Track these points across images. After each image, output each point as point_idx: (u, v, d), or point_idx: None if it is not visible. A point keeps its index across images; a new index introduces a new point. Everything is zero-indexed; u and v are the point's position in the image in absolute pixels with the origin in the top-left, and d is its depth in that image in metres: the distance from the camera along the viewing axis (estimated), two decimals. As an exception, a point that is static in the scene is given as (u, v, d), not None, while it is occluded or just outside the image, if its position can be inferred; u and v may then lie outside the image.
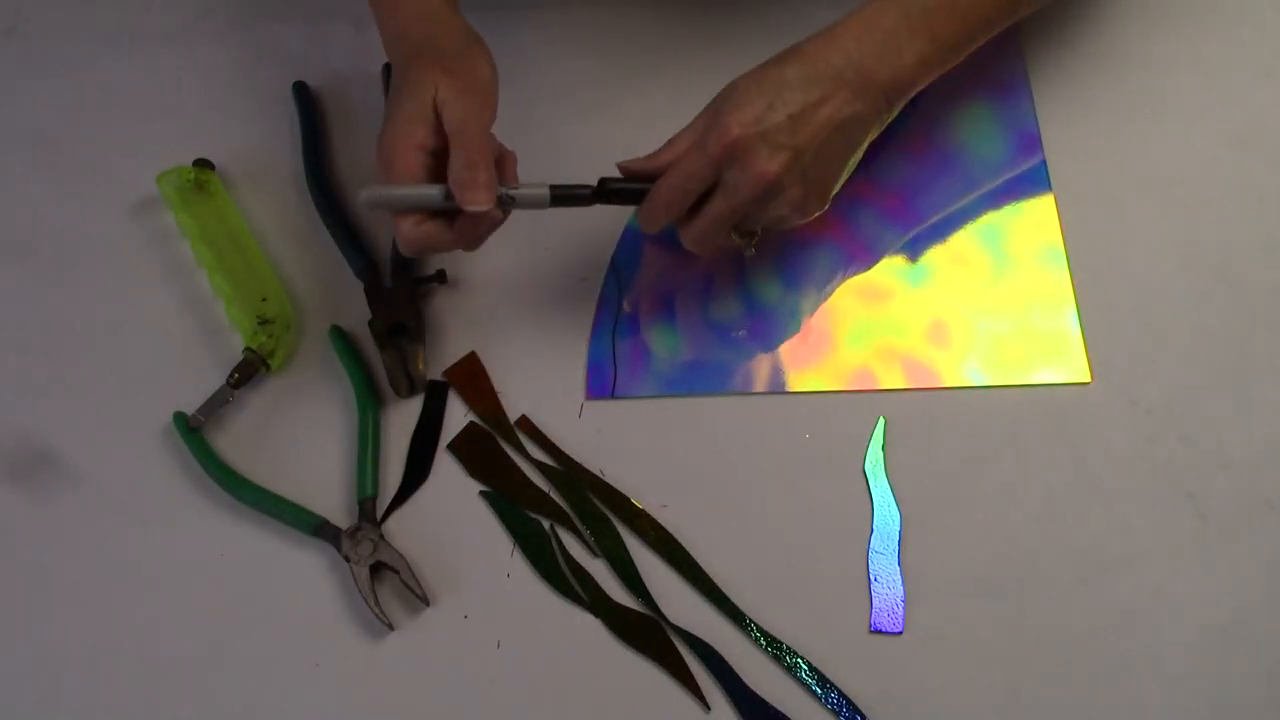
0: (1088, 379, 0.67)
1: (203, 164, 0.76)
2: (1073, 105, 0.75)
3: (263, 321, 0.70)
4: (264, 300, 0.71)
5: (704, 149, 0.61)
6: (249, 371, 0.68)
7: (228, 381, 0.68)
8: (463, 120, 0.60)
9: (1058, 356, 0.68)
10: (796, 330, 0.70)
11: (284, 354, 0.70)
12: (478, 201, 0.59)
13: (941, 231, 0.72)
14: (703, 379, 0.69)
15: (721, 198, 0.62)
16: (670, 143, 0.64)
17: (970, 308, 0.70)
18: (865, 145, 0.65)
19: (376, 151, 0.61)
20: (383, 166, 0.61)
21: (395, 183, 0.60)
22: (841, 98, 0.61)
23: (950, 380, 0.68)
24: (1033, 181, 0.73)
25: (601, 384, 0.69)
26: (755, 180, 0.60)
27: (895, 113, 0.65)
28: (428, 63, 0.62)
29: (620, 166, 0.65)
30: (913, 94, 0.65)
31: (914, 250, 0.71)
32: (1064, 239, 0.71)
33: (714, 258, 0.71)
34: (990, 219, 0.72)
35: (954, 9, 0.64)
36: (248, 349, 0.69)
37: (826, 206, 0.65)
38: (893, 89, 0.63)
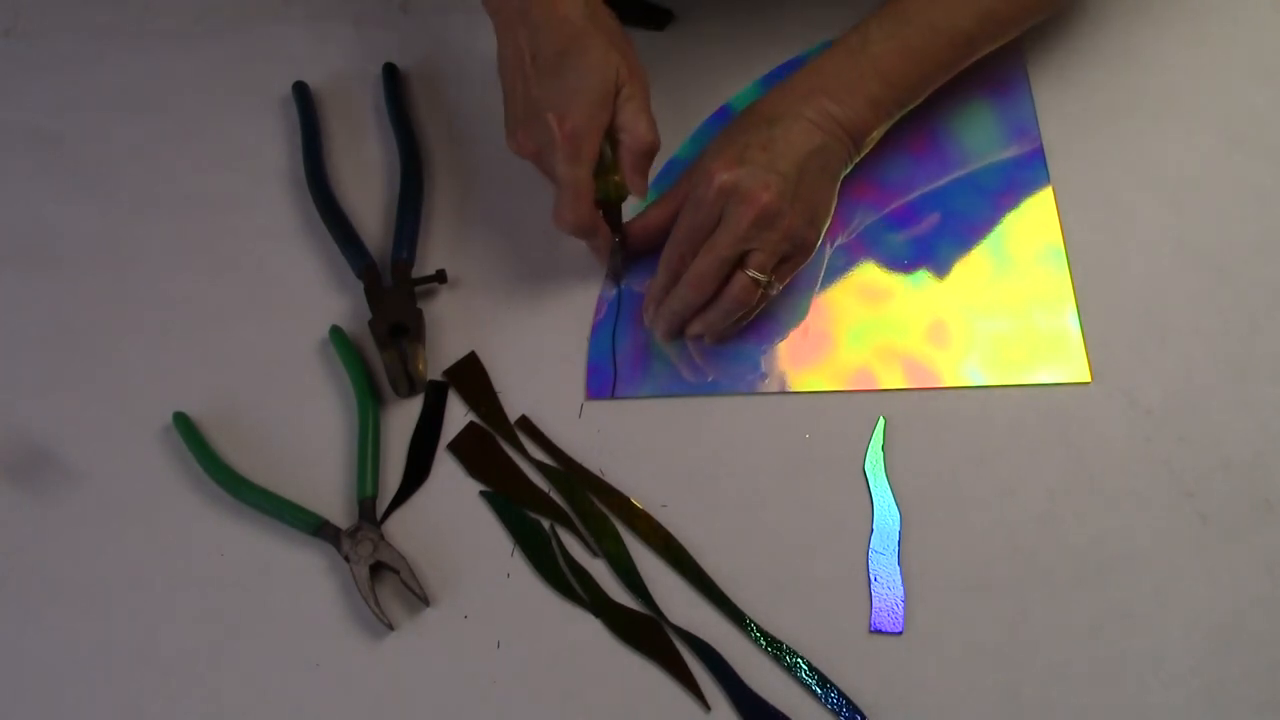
0: (1087, 379, 0.67)
1: None
2: (1073, 105, 0.75)
3: None
4: None
5: (698, 202, 0.63)
6: (613, 223, 0.68)
7: None
8: (636, 113, 0.64)
9: (1057, 356, 0.68)
10: (799, 323, 0.70)
11: (620, 186, 0.68)
12: (641, 191, 0.65)
13: (941, 231, 0.72)
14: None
15: (722, 229, 0.63)
16: (654, 204, 0.69)
17: (970, 308, 0.70)
18: (839, 180, 0.67)
19: (561, 126, 0.62)
20: (571, 146, 0.62)
21: (580, 162, 0.63)
22: (805, 128, 0.64)
23: (950, 380, 0.68)
24: (1033, 181, 0.73)
25: (601, 384, 0.69)
26: (753, 208, 0.62)
27: (862, 153, 0.68)
28: (605, 40, 0.63)
29: (625, 230, 0.69)
30: (873, 135, 0.67)
31: (914, 250, 0.71)
32: (1064, 239, 0.71)
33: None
34: (990, 219, 0.72)
35: (904, 52, 0.66)
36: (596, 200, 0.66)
37: (821, 238, 0.66)
38: (850, 126, 0.66)
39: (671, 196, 0.69)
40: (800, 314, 0.70)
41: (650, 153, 0.64)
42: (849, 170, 0.68)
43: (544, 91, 0.63)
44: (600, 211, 0.67)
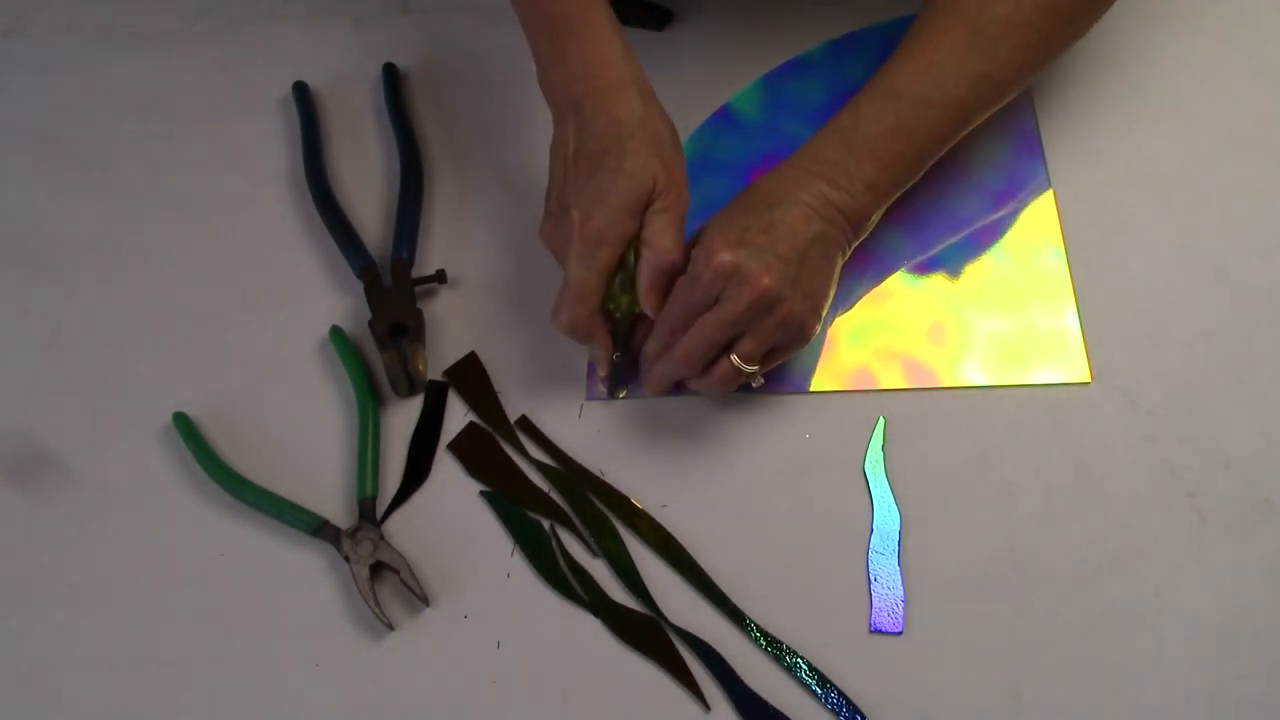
0: (1088, 379, 0.67)
1: None
2: (1073, 105, 0.75)
3: None
4: None
5: (695, 280, 0.61)
6: (618, 338, 0.65)
7: None
8: (663, 227, 0.61)
9: (1057, 356, 0.68)
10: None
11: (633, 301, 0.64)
12: (654, 309, 0.63)
13: (942, 232, 0.72)
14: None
15: (716, 309, 0.61)
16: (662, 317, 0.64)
17: (970, 308, 0.70)
18: (840, 267, 0.64)
19: (582, 225, 0.60)
20: (586, 247, 0.61)
21: (591, 265, 0.61)
22: (805, 215, 0.62)
23: (950, 380, 0.68)
24: (1033, 181, 0.73)
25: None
26: (751, 291, 0.59)
27: (861, 237, 0.65)
28: (648, 149, 0.61)
29: (631, 348, 0.67)
30: (874, 217, 0.65)
31: (917, 252, 0.71)
32: (1064, 239, 0.71)
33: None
34: (990, 219, 0.72)
35: (898, 130, 0.63)
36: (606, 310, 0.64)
37: (819, 328, 0.63)
38: (850, 212, 0.63)
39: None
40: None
41: (671, 271, 0.62)
42: (847, 256, 0.65)
43: (576, 188, 0.62)
44: (607, 321, 0.65)
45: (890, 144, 0.64)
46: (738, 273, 0.60)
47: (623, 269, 0.63)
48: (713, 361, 0.62)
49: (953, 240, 0.71)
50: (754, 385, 0.64)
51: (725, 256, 0.60)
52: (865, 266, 0.71)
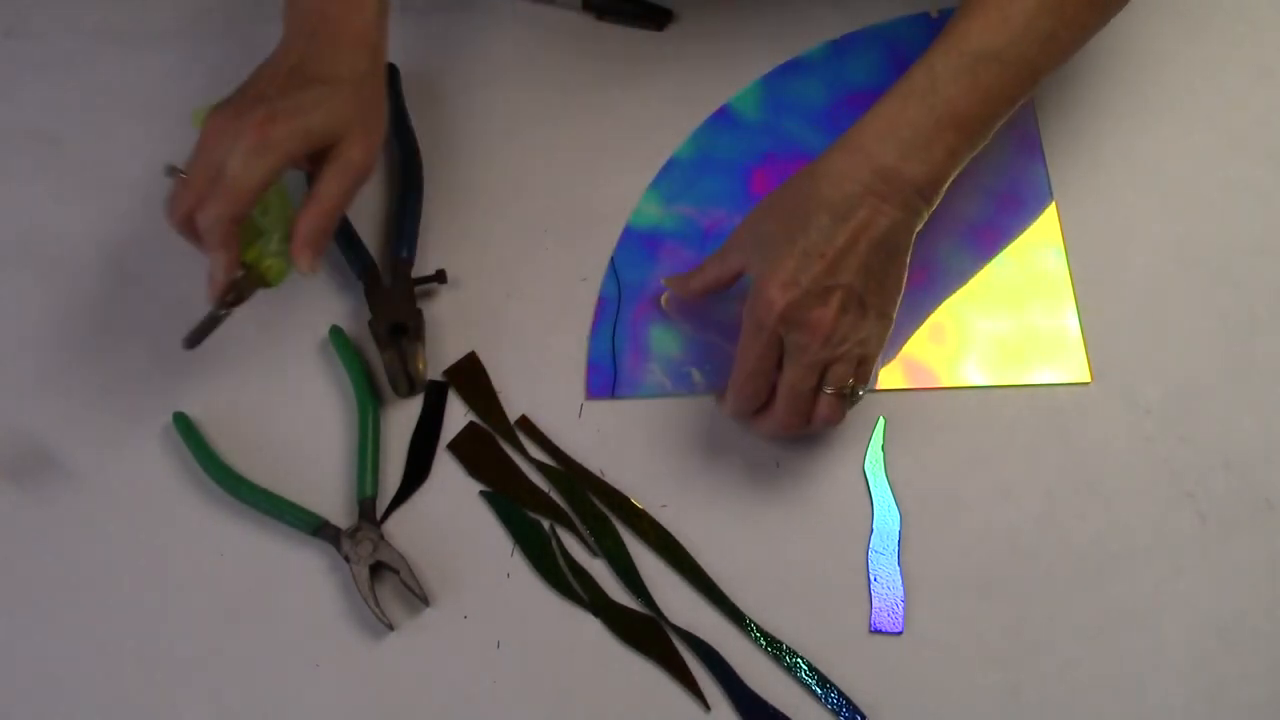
0: (1088, 379, 0.67)
1: None
2: (1073, 106, 0.75)
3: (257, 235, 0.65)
4: (263, 214, 0.65)
5: (758, 327, 0.59)
6: (242, 290, 0.63)
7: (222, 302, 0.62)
8: (330, 180, 0.61)
9: (1057, 356, 0.68)
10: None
11: (280, 269, 0.65)
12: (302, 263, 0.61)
13: (941, 232, 0.72)
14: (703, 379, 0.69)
15: (789, 363, 0.60)
16: (703, 266, 0.65)
17: (970, 308, 0.70)
18: (911, 245, 0.62)
19: (265, 119, 0.59)
20: (261, 144, 0.59)
21: (256, 165, 0.59)
22: (873, 212, 0.59)
23: (950, 380, 0.68)
24: (1032, 181, 0.73)
25: (601, 384, 0.69)
26: (817, 331, 0.58)
27: (934, 208, 0.62)
28: (356, 106, 0.61)
29: (669, 283, 0.68)
30: (947, 187, 0.62)
31: (917, 251, 0.71)
32: (1064, 239, 0.71)
33: None
34: (990, 219, 0.72)
35: (975, 90, 0.60)
36: (244, 264, 0.63)
37: (892, 327, 0.62)
38: (926, 186, 0.60)
39: (713, 263, 0.65)
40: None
41: (327, 227, 0.61)
42: (921, 226, 0.62)
43: (279, 91, 0.61)
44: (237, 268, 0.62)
45: (969, 105, 0.60)
46: (799, 319, 0.58)
47: (264, 235, 0.63)
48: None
49: (953, 242, 0.71)
50: (860, 396, 0.62)
51: (783, 303, 0.58)
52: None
